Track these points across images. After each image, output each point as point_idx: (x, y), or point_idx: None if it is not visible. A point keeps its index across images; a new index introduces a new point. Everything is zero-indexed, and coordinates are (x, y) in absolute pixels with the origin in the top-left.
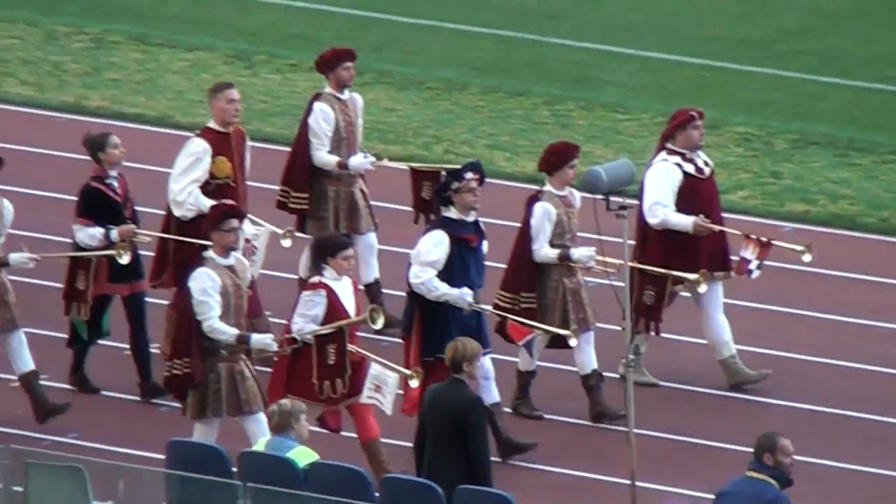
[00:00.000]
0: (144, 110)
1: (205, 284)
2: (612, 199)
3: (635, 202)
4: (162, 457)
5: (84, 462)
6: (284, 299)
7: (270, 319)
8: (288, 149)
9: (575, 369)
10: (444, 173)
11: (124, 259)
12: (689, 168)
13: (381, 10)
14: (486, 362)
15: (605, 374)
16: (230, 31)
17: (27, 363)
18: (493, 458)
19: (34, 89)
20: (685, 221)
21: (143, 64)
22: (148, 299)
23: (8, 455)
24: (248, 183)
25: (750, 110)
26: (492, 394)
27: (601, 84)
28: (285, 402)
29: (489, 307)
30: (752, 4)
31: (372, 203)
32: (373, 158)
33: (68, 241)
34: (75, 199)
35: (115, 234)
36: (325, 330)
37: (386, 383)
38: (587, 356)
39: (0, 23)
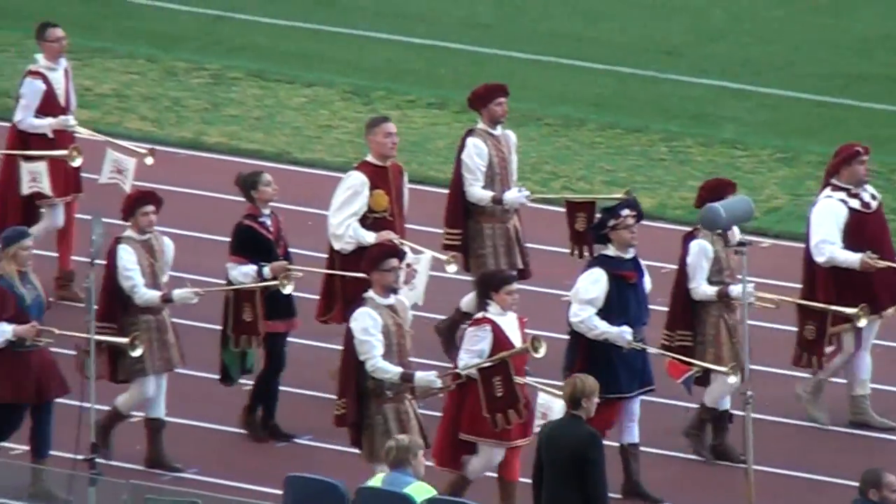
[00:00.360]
0: (262, 146)
1: (366, 324)
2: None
3: (754, 238)
4: (279, 492)
5: (202, 497)
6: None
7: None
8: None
9: (693, 405)
10: (597, 213)
11: (288, 289)
12: (855, 203)
13: (499, 47)
14: (636, 404)
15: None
16: (348, 67)
17: (159, 409)
18: (612, 494)
19: (154, 125)
20: (852, 258)
21: (261, 100)
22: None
23: (127, 490)
24: None
25: (870, 147)
26: (633, 434)
27: (719, 120)
28: (403, 437)
29: (646, 345)
30: (871, 41)
31: (528, 245)
32: (528, 193)
33: (205, 278)
34: (201, 235)
35: (267, 271)
36: (488, 362)
37: (552, 410)
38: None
39: (121, 59)
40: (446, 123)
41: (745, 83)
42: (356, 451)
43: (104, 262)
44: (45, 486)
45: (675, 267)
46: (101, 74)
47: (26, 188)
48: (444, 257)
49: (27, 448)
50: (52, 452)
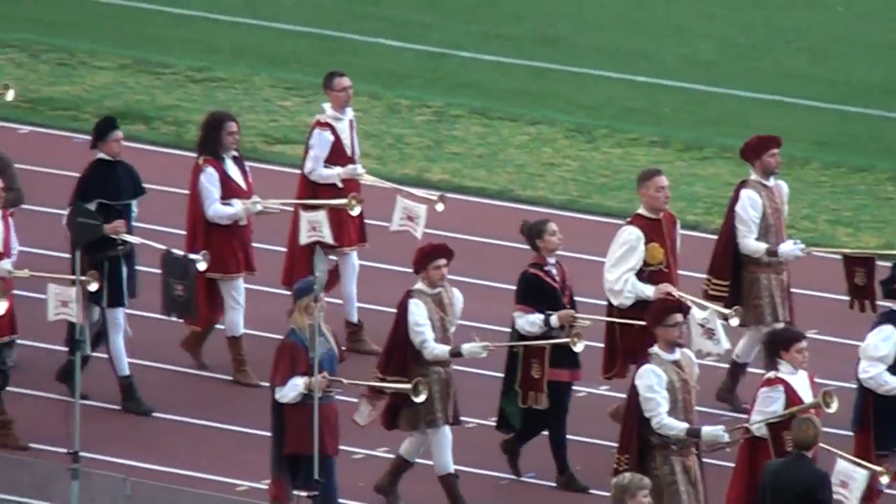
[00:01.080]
0: (485, 184)
1: (650, 381)
2: None
3: None
4: None
5: None
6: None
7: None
8: (622, 222)
9: None
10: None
11: (578, 347)
12: None
13: (722, 85)
14: None
15: None
16: (571, 105)
17: (448, 464)
18: None
19: (377, 162)
20: None
21: (484, 137)
22: None
23: None
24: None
25: None
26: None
27: None
28: (626, 475)
29: None
30: None
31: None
32: (802, 245)
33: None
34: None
35: (554, 319)
36: (777, 418)
37: (853, 479)
38: None
39: None
40: (669, 161)
41: None
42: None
43: (328, 297)
44: None
45: None
46: None
47: (305, 238)
48: (727, 311)
49: (252, 485)
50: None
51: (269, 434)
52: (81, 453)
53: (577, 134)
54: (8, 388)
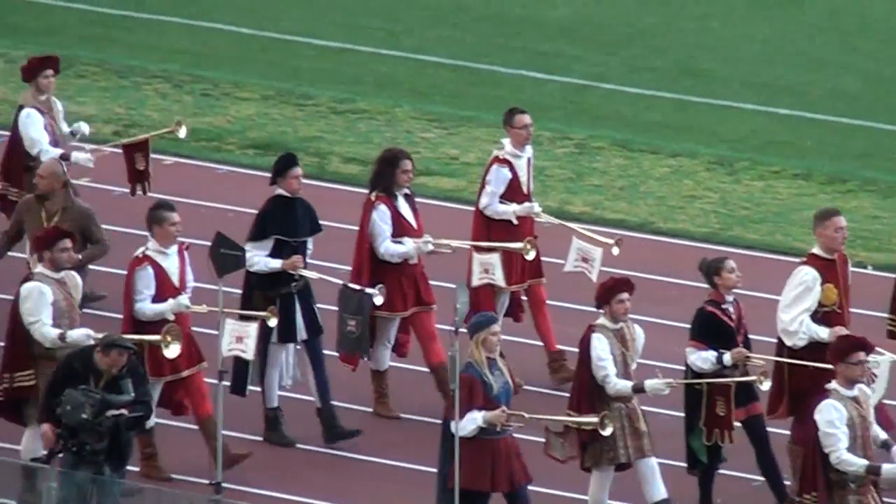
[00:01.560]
0: (626, 216)
1: (831, 416)
2: None
3: None
4: None
5: None
6: None
7: None
8: (771, 255)
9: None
10: None
11: (765, 385)
12: None
13: (866, 118)
14: None
15: None
16: (713, 138)
17: (659, 491)
18: None
19: None
20: None
21: (625, 170)
22: None
23: None
24: None
25: None
26: None
27: None
28: None
29: None
30: None
31: None
32: None
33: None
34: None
35: (727, 357)
36: None
37: None
38: None
39: (487, 127)
40: (811, 195)
41: None
42: None
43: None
44: None
45: None
46: (467, 143)
47: (476, 280)
48: None
49: None
50: None
51: (408, 465)
52: (223, 484)
53: (719, 166)
54: (155, 420)
